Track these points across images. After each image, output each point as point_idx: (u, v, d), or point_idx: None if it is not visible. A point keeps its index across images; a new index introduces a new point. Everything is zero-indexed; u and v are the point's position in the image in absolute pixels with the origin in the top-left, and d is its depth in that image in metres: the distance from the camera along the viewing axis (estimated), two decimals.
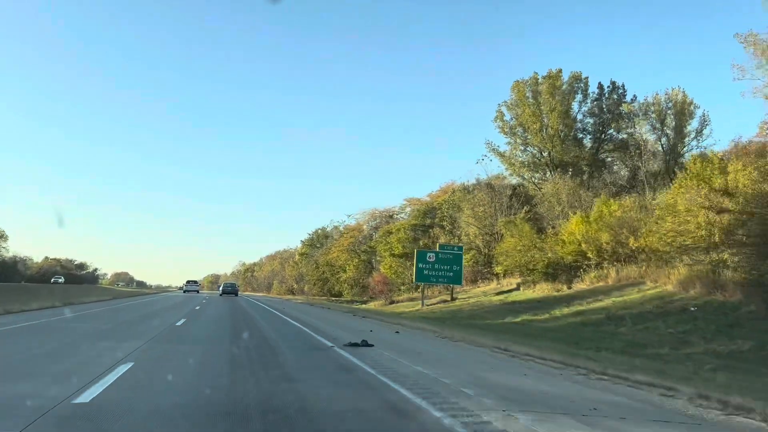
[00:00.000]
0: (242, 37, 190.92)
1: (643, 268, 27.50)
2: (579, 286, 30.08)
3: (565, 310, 24.72)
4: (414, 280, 37.54)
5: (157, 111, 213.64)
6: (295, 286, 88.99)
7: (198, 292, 67.85)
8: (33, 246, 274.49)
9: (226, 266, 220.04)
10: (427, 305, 36.79)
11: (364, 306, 45.98)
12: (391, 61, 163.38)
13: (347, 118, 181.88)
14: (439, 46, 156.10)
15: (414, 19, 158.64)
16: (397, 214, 65.90)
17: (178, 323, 16.74)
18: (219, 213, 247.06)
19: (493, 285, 39.66)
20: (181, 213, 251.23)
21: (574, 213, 36.40)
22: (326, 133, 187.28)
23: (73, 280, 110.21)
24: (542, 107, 43.21)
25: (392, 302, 44.49)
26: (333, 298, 58.67)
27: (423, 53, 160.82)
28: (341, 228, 77.99)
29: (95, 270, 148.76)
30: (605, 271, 29.26)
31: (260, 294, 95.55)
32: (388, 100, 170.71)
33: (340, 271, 66.29)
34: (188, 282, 71.29)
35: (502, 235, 42.30)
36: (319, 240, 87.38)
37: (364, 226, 73.28)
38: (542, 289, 31.67)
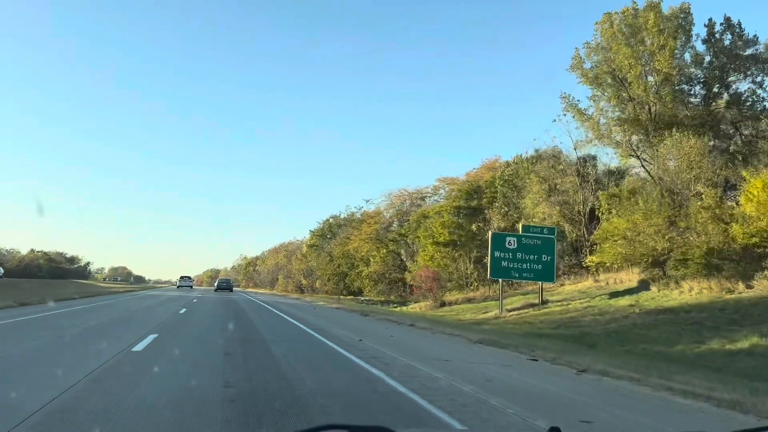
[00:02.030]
0: (241, 37, 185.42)
1: None
2: (765, 283, 19.57)
3: None
4: (489, 274, 26.98)
5: (156, 109, 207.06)
6: (304, 281, 78.26)
7: (191, 288, 65.76)
8: (33, 243, 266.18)
9: (226, 261, 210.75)
10: (507, 310, 26.24)
11: (406, 309, 35.39)
12: (394, 60, 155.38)
13: (346, 118, 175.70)
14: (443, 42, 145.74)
15: (418, 17, 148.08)
16: (429, 196, 55.26)
17: None
18: (220, 210, 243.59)
19: (589, 282, 29.19)
20: (182, 210, 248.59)
21: (706, 182, 25.99)
22: (323, 133, 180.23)
23: (60, 274, 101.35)
24: (642, 47, 32.62)
25: (443, 304, 33.94)
26: (362, 299, 48.02)
27: (429, 50, 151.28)
28: (358, 215, 67.29)
29: (87, 264, 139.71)
30: None
31: (264, 291, 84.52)
32: (387, 99, 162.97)
33: (361, 264, 55.70)
34: (182, 278, 69.65)
35: (593, 213, 31.88)
36: (330, 230, 76.59)
37: (384, 212, 62.62)
38: (699, 289, 21.09)
